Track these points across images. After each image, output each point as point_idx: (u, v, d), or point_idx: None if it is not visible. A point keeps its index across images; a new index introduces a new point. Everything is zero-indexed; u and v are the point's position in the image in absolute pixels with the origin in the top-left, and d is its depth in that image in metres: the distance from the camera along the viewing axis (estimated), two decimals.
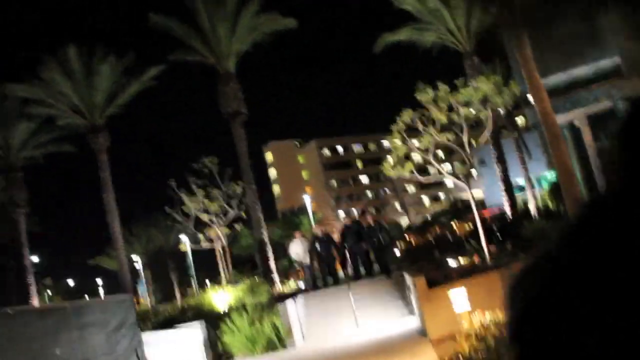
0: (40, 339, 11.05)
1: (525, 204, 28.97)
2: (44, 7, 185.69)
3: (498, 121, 24.24)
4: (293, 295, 18.71)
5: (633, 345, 0.61)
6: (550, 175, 28.15)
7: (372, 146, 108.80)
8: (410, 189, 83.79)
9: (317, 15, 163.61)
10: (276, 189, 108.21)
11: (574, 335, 0.64)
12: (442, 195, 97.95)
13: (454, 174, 17.40)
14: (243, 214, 22.71)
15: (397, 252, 23.52)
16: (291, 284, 23.60)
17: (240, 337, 15.55)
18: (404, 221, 61.41)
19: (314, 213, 50.32)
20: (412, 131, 16.20)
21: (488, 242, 15.30)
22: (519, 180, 30.70)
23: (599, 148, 19.89)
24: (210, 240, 21.84)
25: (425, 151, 16.18)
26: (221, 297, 19.03)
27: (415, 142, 16.29)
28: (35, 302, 26.87)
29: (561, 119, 18.71)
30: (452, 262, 15.71)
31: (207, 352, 15.71)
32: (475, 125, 18.11)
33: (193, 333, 15.82)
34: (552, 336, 0.66)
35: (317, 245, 19.87)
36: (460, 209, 38.99)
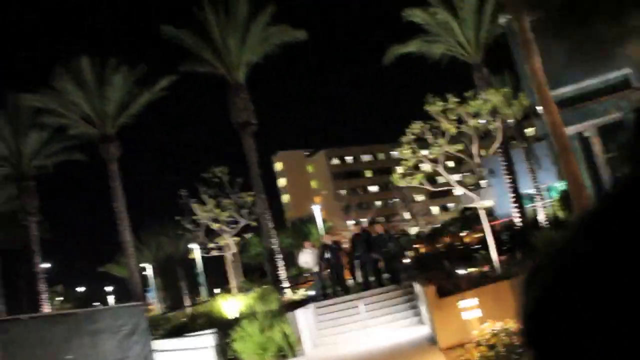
0: (53, 345, 11.19)
1: (535, 213, 28.94)
2: (56, 18, 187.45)
3: (507, 132, 24.28)
4: (303, 303, 18.79)
5: None
6: (560, 185, 28.11)
7: (381, 156, 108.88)
8: (419, 198, 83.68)
9: (326, 26, 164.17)
10: (285, 198, 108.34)
11: (593, 333, 0.61)
12: (451, 204, 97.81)
13: (463, 184, 17.47)
14: (253, 223, 22.83)
15: (407, 261, 23.53)
16: (301, 293, 23.67)
17: (250, 345, 15.64)
18: (413, 230, 61.32)
19: (323, 222, 50.35)
20: (421, 141, 16.31)
21: (498, 251, 15.34)
22: (528, 190, 30.66)
23: (609, 158, 19.93)
24: (220, 249, 21.95)
25: (434, 162, 16.28)
26: (231, 304, 19.13)
27: (424, 152, 16.40)
28: (46, 309, 27.06)
29: (571, 130, 18.77)
30: (461, 272, 15.75)
31: (218, 359, 15.81)
32: (485, 136, 18.20)
33: (204, 340, 15.93)
34: (569, 333, 0.63)
35: (327, 254, 19.96)
36: (469, 219, 38.90)
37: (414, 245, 33.56)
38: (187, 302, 51.39)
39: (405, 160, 16.17)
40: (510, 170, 24.39)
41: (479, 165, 16.62)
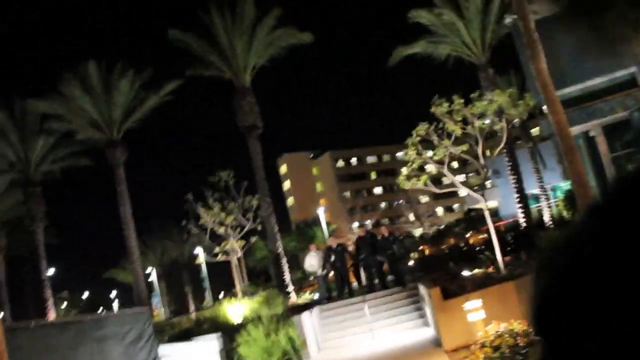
0: (59, 353, 11.19)
1: (540, 213, 28.87)
2: (63, 23, 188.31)
3: (512, 132, 24.25)
4: (308, 306, 18.78)
5: None
6: (565, 185, 28.04)
7: (385, 157, 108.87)
8: (424, 199, 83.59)
9: (331, 28, 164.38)
10: (290, 200, 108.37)
11: (593, 333, 0.60)
12: (456, 205, 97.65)
13: (468, 185, 17.45)
14: (258, 227, 22.83)
15: (412, 263, 23.52)
16: (306, 296, 23.66)
17: (256, 349, 15.63)
18: (418, 232, 61.23)
19: (328, 224, 50.34)
20: (426, 143, 16.31)
21: (502, 252, 15.31)
22: (533, 190, 30.61)
23: (614, 158, 19.87)
24: (226, 253, 21.95)
25: (439, 163, 16.26)
26: (236, 308, 19.13)
27: (430, 152, 16.39)
28: (51, 315, 27.11)
29: (576, 129, 18.74)
30: (466, 273, 15.72)
31: None
32: (490, 136, 18.18)
33: (209, 345, 15.93)
34: (570, 332, 0.62)
35: (332, 257, 19.95)
36: (474, 220, 38.86)
37: (419, 247, 33.58)
38: (191, 306, 51.47)
39: (411, 161, 16.16)
40: (515, 171, 24.34)
41: (483, 166, 16.59)
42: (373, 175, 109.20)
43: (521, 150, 31.70)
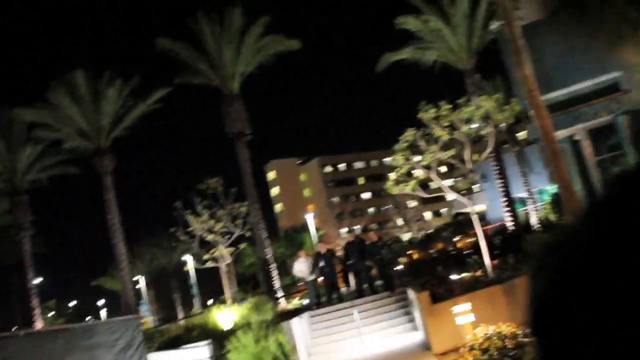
0: None
1: (527, 217, 29.09)
2: (50, 32, 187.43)
3: (499, 136, 24.45)
4: (298, 312, 18.81)
5: None
6: (552, 188, 28.29)
7: (373, 163, 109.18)
8: (412, 204, 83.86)
9: (319, 34, 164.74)
10: (278, 206, 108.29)
11: (589, 337, 0.59)
12: (444, 210, 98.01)
13: (455, 189, 17.58)
14: (247, 233, 22.84)
15: (400, 268, 23.60)
16: (295, 302, 23.67)
17: (245, 355, 15.62)
18: (406, 236, 61.42)
19: (316, 230, 50.33)
20: (414, 148, 16.44)
21: (490, 256, 15.44)
22: (520, 194, 30.85)
23: (599, 161, 20.12)
24: (215, 260, 21.94)
25: (427, 168, 16.39)
26: (226, 315, 19.12)
27: (417, 158, 16.52)
28: (39, 324, 26.92)
29: (562, 133, 18.97)
30: (455, 277, 15.83)
31: None
32: (477, 141, 18.35)
33: (199, 352, 15.90)
34: (565, 336, 0.61)
35: (321, 263, 19.98)
36: (462, 224, 39.04)
37: (407, 252, 33.64)
38: (180, 314, 51.26)
39: (399, 167, 16.28)
40: (502, 175, 24.52)
41: (471, 171, 16.74)
42: (361, 181, 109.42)
43: (508, 154, 31.95)
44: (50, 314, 54.60)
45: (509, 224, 24.56)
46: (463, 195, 16.81)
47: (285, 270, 37.53)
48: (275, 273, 23.67)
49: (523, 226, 25.50)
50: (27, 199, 28.20)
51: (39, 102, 25.60)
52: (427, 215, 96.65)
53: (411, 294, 16.59)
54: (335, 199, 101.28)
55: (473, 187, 40.11)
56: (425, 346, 14.06)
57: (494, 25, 21.94)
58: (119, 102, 26.01)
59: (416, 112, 16.00)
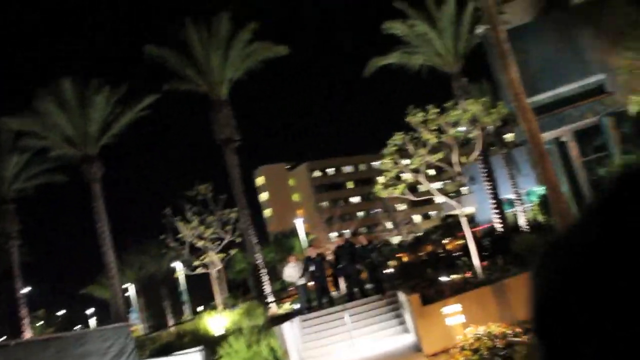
0: None
1: (516, 218, 29.31)
2: (37, 39, 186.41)
3: (487, 139, 24.66)
4: (289, 316, 18.84)
5: None
6: (539, 190, 28.53)
7: (362, 167, 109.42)
8: (401, 207, 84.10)
9: (308, 39, 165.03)
10: (267, 212, 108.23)
11: (589, 337, 0.59)
12: (433, 212, 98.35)
13: (444, 192, 17.72)
14: (237, 239, 22.83)
15: (389, 271, 23.71)
16: (286, 306, 23.70)
17: None
18: (396, 240, 61.60)
19: (306, 234, 50.37)
20: (403, 151, 16.56)
21: (479, 257, 15.57)
22: (508, 195, 31.07)
23: (585, 162, 20.34)
24: (205, 266, 21.93)
25: (415, 171, 16.51)
26: (217, 321, 19.11)
27: (406, 161, 16.64)
28: (27, 334, 26.73)
29: (548, 135, 19.18)
30: (444, 279, 15.95)
31: None
32: (465, 143, 18.50)
33: (191, 358, 15.89)
34: (565, 337, 0.61)
35: (311, 267, 20.03)
36: (451, 226, 39.26)
37: (397, 255, 33.81)
38: (170, 321, 51.07)
39: (387, 171, 16.39)
40: (490, 177, 24.73)
41: (459, 174, 16.88)
42: (350, 185, 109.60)
43: (496, 156, 32.19)
44: (39, 324, 54.16)
45: (498, 226, 24.76)
46: (452, 197, 16.94)
47: (275, 275, 37.52)
48: (265, 278, 23.69)
49: (511, 227, 25.71)
50: (14, 208, 28.03)
51: (25, 110, 25.49)
52: (417, 218, 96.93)
53: (401, 296, 16.69)
54: (325, 204, 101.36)
55: (462, 189, 40.38)
56: (416, 348, 14.15)
57: (480, 29, 22.13)
58: (107, 109, 25.93)
59: (404, 116, 16.14)
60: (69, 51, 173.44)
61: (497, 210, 24.65)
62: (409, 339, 15.67)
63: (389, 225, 74.32)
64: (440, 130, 16.14)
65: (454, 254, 23.03)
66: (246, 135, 26.22)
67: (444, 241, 34.01)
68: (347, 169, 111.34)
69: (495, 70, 20.13)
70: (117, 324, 16.05)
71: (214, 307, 24.19)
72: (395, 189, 16.42)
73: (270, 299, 23.35)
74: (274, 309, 22.34)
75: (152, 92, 26.28)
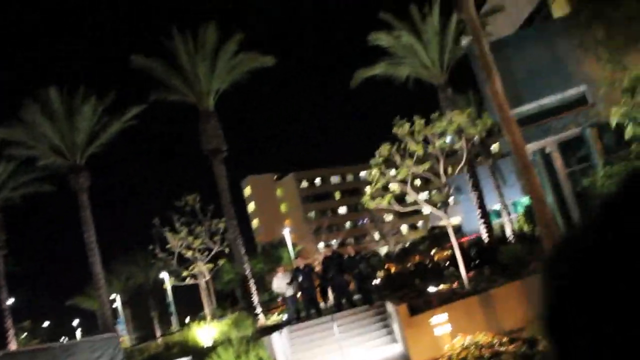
0: None
1: (502, 228, 29.54)
2: (24, 49, 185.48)
3: (472, 149, 24.88)
4: (278, 327, 18.86)
5: None
6: (525, 200, 28.80)
7: (349, 177, 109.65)
8: (389, 218, 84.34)
9: (294, 50, 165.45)
10: (255, 222, 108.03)
11: (587, 339, 0.59)
12: (420, 223, 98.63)
13: (431, 203, 17.89)
14: (226, 249, 22.84)
15: (378, 281, 23.80)
16: (274, 317, 23.70)
17: None
18: (384, 250, 61.71)
19: (294, 245, 50.38)
20: (390, 162, 16.71)
21: (466, 268, 15.72)
22: (495, 205, 31.33)
23: (569, 173, 20.59)
24: (194, 276, 21.92)
25: (402, 182, 16.66)
26: (206, 331, 19.10)
27: (393, 172, 16.78)
28: (12, 345, 26.49)
29: (533, 146, 19.40)
30: (432, 289, 16.07)
31: None
32: (451, 154, 18.69)
33: None
34: (565, 339, 0.62)
35: (299, 278, 20.06)
36: (438, 237, 39.47)
37: (385, 265, 33.90)
38: (158, 332, 50.78)
39: (374, 181, 16.53)
40: (477, 187, 24.92)
41: (445, 184, 17.06)
42: (337, 195, 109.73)
43: (482, 167, 32.45)
44: (23, 335, 53.59)
45: (484, 236, 24.94)
46: (438, 208, 17.11)
47: (263, 286, 37.50)
48: (253, 289, 23.70)
49: (498, 238, 25.90)
50: (0, 217, 27.86)
51: (12, 119, 25.42)
52: (404, 228, 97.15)
53: (390, 306, 16.78)
54: (312, 214, 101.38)
55: (448, 199, 40.58)
56: (405, 357, 14.23)
57: (465, 41, 22.41)
58: (94, 118, 25.91)
59: (391, 127, 16.30)
60: (56, 60, 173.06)
61: (483, 221, 24.84)
62: (397, 348, 15.75)
63: (376, 235, 74.43)
64: (426, 141, 16.32)
65: (441, 265, 23.17)
66: (234, 145, 26.30)
67: (431, 252, 34.15)
68: (335, 179, 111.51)
69: (480, 81, 20.40)
70: (106, 335, 16.02)
71: (202, 318, 24.15)
72: (383, 200, 16.56)
73: (259, 309, 23.35)
74: (262, 320, 22.34)
75: (139, 102, 26.34)
